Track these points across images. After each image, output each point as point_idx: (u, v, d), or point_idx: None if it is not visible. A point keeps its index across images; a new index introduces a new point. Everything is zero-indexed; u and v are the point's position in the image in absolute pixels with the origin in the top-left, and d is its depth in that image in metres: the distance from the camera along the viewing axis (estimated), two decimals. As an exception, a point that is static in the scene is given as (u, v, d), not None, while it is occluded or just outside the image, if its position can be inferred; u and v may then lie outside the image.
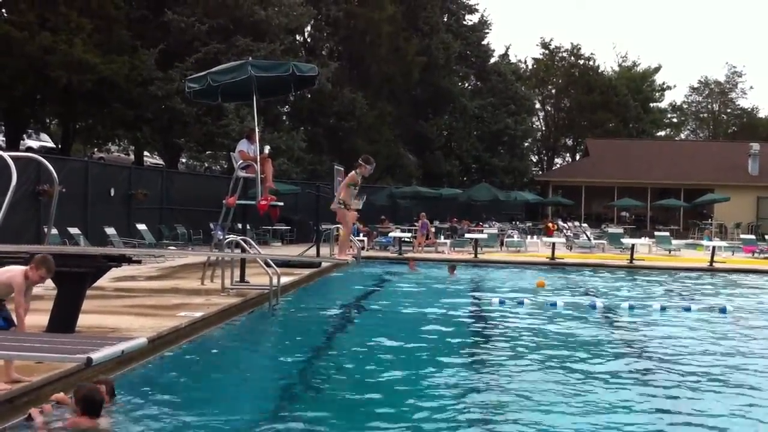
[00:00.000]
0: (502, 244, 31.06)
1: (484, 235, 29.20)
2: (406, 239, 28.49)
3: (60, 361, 6.44)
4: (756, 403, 7.72)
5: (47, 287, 8.16)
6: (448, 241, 30.19)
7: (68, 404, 6.61)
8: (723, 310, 14.45)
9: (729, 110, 75.79)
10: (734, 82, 74.18)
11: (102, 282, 10.86)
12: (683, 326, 12.77)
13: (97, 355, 4.87)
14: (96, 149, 38.93)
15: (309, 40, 43.89)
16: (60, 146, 32.83)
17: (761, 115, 74.53)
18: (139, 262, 11.12)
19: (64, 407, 6.58)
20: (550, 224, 39.22)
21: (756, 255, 30.23)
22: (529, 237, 33.88)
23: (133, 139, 34.47)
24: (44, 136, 36.88)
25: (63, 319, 8.61)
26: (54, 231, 16.32)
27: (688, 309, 14.68)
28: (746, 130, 69.96)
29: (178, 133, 31.53)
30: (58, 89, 26.56)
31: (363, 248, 26.56)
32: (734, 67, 75.39)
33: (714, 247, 25.90)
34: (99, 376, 7.13)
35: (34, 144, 34.05)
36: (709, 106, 76.37)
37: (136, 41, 29.22)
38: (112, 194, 23.92)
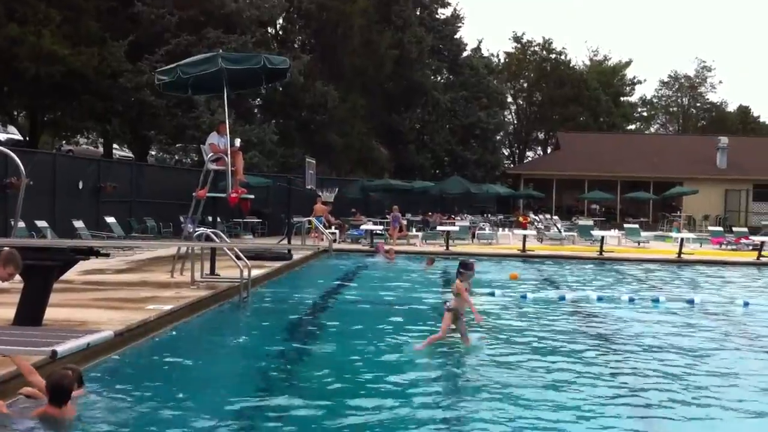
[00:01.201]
0: (473, 236, 31.19)
1: (456, 228, 29.31)
2: (378, 232, 28.51)
3: (25, 354, 6.38)
4: (719, 391, 7.85)
5: (13, 280, 8.07)
6: (420, 234, 30.26)
7: (39, 397, 6.56)
8: (691, 302, 14.63)
9: (698, 104, 76.65)
10: (703, 77, 75.05)
11: (70, 275, 10.76)
12: (651, 317, 12.92)
13: (62, 348, 4.84)
14: (64, 141, 38.51)
15: (281, 32, 43.72)
16: (28, 138, 32.44)
17: (730, 109, 75.57)
18: (107, 255, 11.01)
19: (34, 401, 6.52)
20: (521, 217, 39.49)
21: (723, 246, 30.64)
22: (500, 229, 34.07)
23: (102, 132, 34.14)
24: (12, 128, 36.40)
25: (30, 312, 8.52)
26: (21, 224, 16.18)
27: (656, 300, 14.84)
28: (715, 124, 70.83)
29: (148, 126, 31.31)
30: (26, 81, 26.26)
31: (335, 241, 26.56)
32: (704, 61, 76.36)
33: (682, 239, 26.20)
34: (66, 365, 7.05)
35: (1, 136, 33.59)
36: (679, 101, 77.18)
37: (106, 33, 28.94)
38: (81, 187, 23.68)
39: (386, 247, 24.49)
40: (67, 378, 6.22)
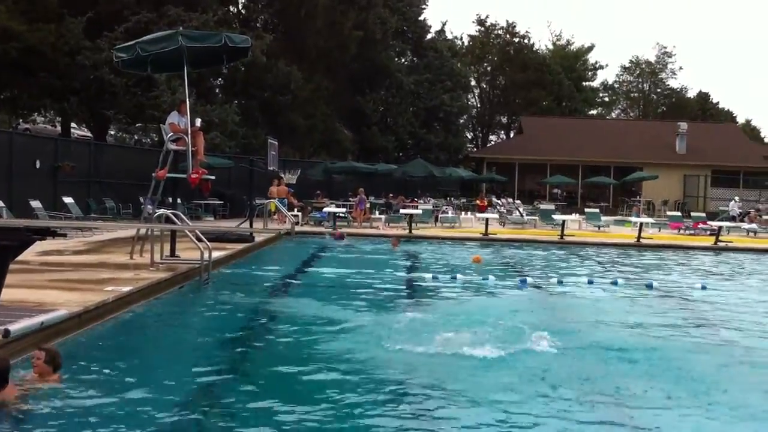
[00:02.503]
0: (436, 219, 31.25)
1: (419, 211, 29.34)
2: (341, 214, 28.44)
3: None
4: (675, 372, 7.95)
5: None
6: (383, 217, 30.24)
7: None
8: (649, 286, 14.81)
9: (659, 90, 77.44)
10: (664, 63, 75.82)
11: (27, 256, 10.52)
12: (610, 300, 13.05)
13: (15, 327, 4.73)
14: (21, 120, 37.79)
15: (243, 11, 43.21)
16: (-17, 117, 31.78)
17: (690, 95, 76.43)
18: (64, 235, 10.77)
19: None
20: (478, 201, 39.72)
21: (682, 231, 31.08)
22: (463, 213, 34.19)
23: (59, 110, 33.54)
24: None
25: (-17, 293, 8.32)
26: (-24, 203, 15.82)
27: (615, 283, 15.01)
28: (675, 109, 71.65)
29: (107, 105, 30.80)
30: (-19, 58, 25.67)
31: (297, 223, 26.44)
32: (664, 47, 76.99)
33: (641, 224, 26.51)
34: (42, 347, 6.88)
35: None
36: (640, 86, 77.92)
37: (63, 9, 28.34)
38: (38, 166, 23.24)
39: (338, 231, 24.47)
40: (4, 360, 6.02)
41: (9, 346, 6.90)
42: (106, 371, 7.18)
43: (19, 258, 9.23)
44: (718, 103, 76.04)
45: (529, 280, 15.16)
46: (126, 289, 10.61)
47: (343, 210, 29.53)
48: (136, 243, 14.86)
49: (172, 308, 11.20)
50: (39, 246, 11.22)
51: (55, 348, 6.84)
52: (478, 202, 39.53)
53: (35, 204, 20.83)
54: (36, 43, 25.97)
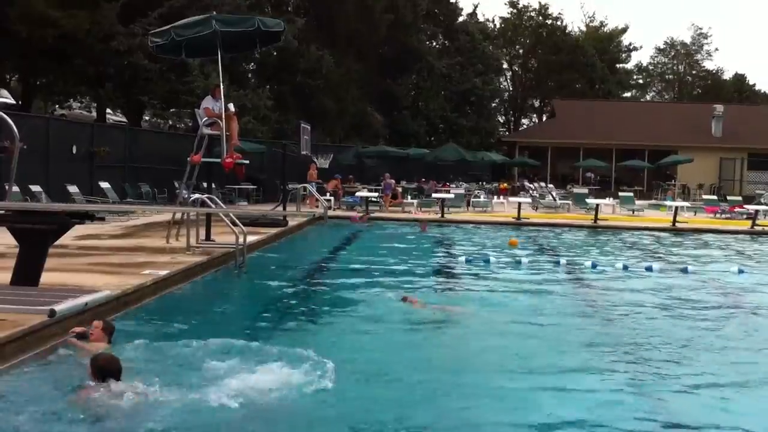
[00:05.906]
0: (468, 204, 31.18)
1: (451, 195, 29.27)
2: (373, 198, 28.47)
3: (23, 313, 6.32)
4: (712, 359, 7.90)
5: (9, 245, 7.99)
6: (415, 201, 30.24)
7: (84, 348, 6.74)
8: (684, 270, 14.67)
9: (694, 72, 76.32)
10: (700, 44, 74.69)
11: (65, 240, 10.70)
12: (644, 285, 12.95)
13: (60, 307, 4.82)
14: (57, 106, 38.25)
15: (275, -5, 43.21)
16: (20, 102, 32.17)
17: (726, 77, 75.26)
18: (102, 219, 10.94)
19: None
20: (498, 184, 39.80)
21: (718, 215, 30.71)
22: (495, 197, 34.10)
23: (95, 96, 33.87)
24: (4, 92, 36.10)
25: (26, 276, 8.48)
26: (15, 188, 16.07)
27: (649, 268, 14.88)
28: (711, 91, 70.56)
29: (141, 90, 31.05)
30: (18, 44, 25.96)
31: (330, 208, 26.53)
32: (700, 28, 76.06)
33: (676, 208, 26.24)
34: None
35: (-7, 100, 33.30)
36: (675, 68, 76.85)
37: (98, -5, 28.55)
38: (74, 152, 23.53)
39: (358, 214, 24.59)
40: (116, 361, 6.08)
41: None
42: (141, 354, 7.22)
43: (57, 242, 9.41)
44: (754, 85, 74.93)
45: (563, 263, 15.12)
46: (163, 272, 10.74)
47: (376, 194, 29.55)
48: (172, 227, 15.02)
49: (209, 291, 11.34)
50: (76, 230, 11.38)
51: (111, 321, 7.06)
52: (500, 185, 39.62)
53: (72, 189, 21.13)
54: (71, 29, 26.20)
